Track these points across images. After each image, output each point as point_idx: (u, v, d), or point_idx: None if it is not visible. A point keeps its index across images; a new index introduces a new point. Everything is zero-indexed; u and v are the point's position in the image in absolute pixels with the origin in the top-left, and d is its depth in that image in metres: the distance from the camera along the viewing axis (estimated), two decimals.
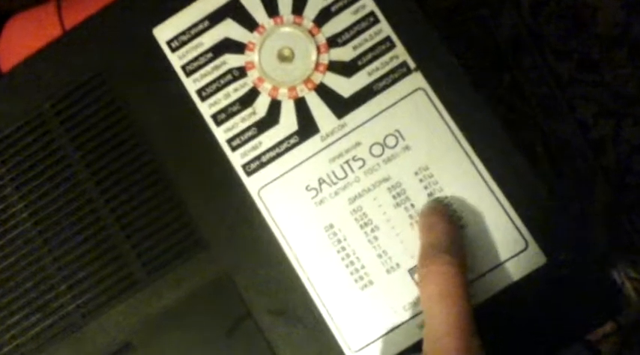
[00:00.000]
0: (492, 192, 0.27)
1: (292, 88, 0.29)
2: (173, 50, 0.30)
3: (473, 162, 0.27)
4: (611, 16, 0.48)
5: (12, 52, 0.33)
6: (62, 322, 0.29)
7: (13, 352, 0.30)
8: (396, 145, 0.28)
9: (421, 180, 0.28)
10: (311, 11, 0.29)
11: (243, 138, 0.29)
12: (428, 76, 0.28)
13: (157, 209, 0.29)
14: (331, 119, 0.28)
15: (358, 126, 0.28)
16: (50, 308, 0.30)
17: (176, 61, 0.30)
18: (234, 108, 0.29)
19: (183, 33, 0.30)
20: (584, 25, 0.48)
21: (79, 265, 0.29)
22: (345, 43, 0.29)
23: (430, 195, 0.28)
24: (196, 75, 0.30)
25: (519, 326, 0.27)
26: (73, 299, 0.29)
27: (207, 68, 0.30)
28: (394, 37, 0.29)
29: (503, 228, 0.27)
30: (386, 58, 0.28)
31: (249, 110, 0.29)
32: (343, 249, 0.28)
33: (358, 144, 0.28)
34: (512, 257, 0.27)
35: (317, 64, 0.29)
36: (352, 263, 0.28)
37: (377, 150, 0.28)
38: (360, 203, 0.28)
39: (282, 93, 0.29)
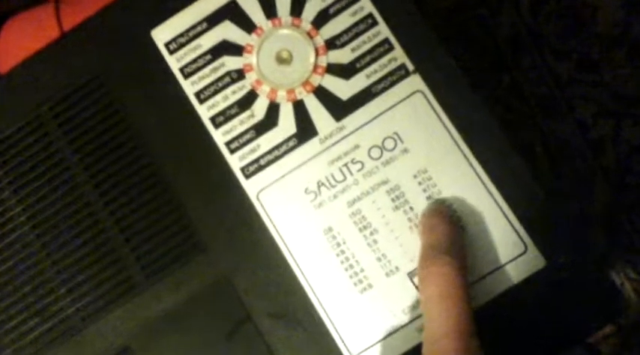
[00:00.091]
0: (491, 194, 0.27)
1: (291, 91, 0.29)
2: (171, 52, 0.30)
3: (472, 165, 0.27)
4: (611, 15, 0.48)
5: (10, 53, 0.33)
6: (61, 326, 0.29)
7: None
8: (394, 148, 0.28)
9: (420, 183, 0.28)
10: (309, 13, 0.29)
11: (241, 140, 0.29)
12: (426, 79, 0.28)
13: (156, 212, 0.29)
14: (330, 122, 0.28)
15: (357, 129, 0.28)
16: (49, 312, 0.29)
17: (174, 63, 0.30)
18: (233, 111, 0.29)
19: (181, 35, 0.30)
20: (584, 24, 0.48)
21: (78, 268, 0.29)
22: (343, 45, 0.29)
23: (429, 198, 0.28)
24: (194, 77, 0.30)
25: (519, 329, 0.27)
26: (72, 302, 0.29)
27: (206, 70, 0.30)
28: (393, 39, 0.28)
29: (502, 231, 0.27)
30: (384, 60, 0.28)
31: (247, 112, 0.29)
32: (342, 252, 0.28)
33: (357, 146, 0.28)
34: (512, 260, 0.27)
35: (315, 67, 0.29)
36: (351, 266, 0.28)
37: (376, 152, 0.28)
38: (359, 206, 0.28)
39: (281, 96, 0.29)
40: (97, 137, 0.30)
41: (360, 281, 0.28)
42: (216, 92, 0.29)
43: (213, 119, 0.29)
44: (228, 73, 0.29)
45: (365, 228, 0.28)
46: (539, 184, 0.27)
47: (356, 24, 0.29)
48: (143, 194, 0.29)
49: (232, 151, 0.29)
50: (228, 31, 0.30)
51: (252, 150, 0.29)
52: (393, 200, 0.28)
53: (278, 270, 0.28)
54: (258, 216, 0.28)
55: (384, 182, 0.28)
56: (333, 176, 0.28)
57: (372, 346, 0.27)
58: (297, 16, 0.29)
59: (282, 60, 0.29)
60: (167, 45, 0.30)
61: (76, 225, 0.30)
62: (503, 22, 0.48)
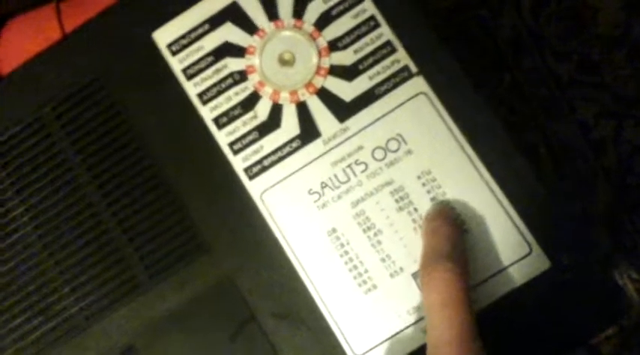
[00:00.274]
0: (495, 196, 0.27)
1: (293, 92, 0.29)
2: (173, 54, 0.30)
3: (475, 166, 0.27)
4: (611, 17, 0.48)
5: (11, 54, 0.33)
6: (65, 325, 0.29)
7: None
8: (398, 149, 0.28)
9: (424, 184, 0.28)
10: (311, 15, 0.29)
11: (244, 142, 0.29)
12: (430, 80, 0.28)
13: (159, 212, 0.29)
14: (333, 123, 0.28)
15: (360, 130, 0.28)
16: (53, 311, 0.29)
17: (176, 64, 0.30)
18: (236, 112, 0.29)
19: (183, 36, 0.30)
20: (585, 26, 0.48)
21: (81, 268, 0.29)
22: (346, 46, 0.29)
23: (433, 199, 0.28)
24: (197, 78, 0.30)
25: (523, 330, 0.27)
26: (75, 301, 0.29)
27: (208, 72, 0.30)
28: (395, 41, 0.29)
29: (507, 232, 0.27)
30: (387, 62, 0.28)
31: (250, 114, 0.29)
32: (346, 253, 0.28)
33: (360, 148, 0.28)
34: (516, 261, 0.27)
35: (318, 68, 0.29)
36: (355, 267, 0.28)
37: (379, 154, 0.28)
38: (363, 207, 0.28)
39: (284, 97, 0.29)
40: (100, 138, 0.30)
41: (365, 282, 0.28)
42: (219, 93, 0.29)
43: (216, 120, 0.29)
44: (230, 75, 0.29)
45: (369, 228, 0.28)
46: (543, 185, 0.27)
47: (358, 26, 0.29)
48: (146, 194, 0.29)
49: (236, 152, 0.29)
50: (230, 32, 0.30)
51: (256, 151, 0.29)
52: (397, 201, 0.28)
53: (282, 271, 0.28)
54: (261, 217, 0.28)
55: (388, 183, 0.28)
56: (336, 177, 0.28)
57: (376, 346, 0.27)
58: (299, 17, 0.29)
59: (284, 61, 0.29)
60: (169, 46, 0.30)
61: (79, 225, 0.30)
62: (505, 23, 0.49)
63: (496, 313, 0.27)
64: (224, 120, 0.29)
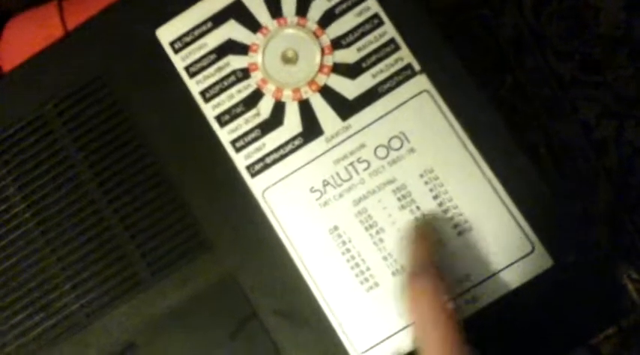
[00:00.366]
0: (498, 194, 0.27)
1: (296, 90, 0.29)
2: (176, 51, 0.30)
3: (478, 165, 0.27)
4: (613, 17, 0.48)
5: (13, 52, 0.32)
6: (66, 322, 0.29)
7: (17, 351, 0.30)
8: (400, 147, 0.28)
9: (426, 183, 0.28)
10: (315, 13, 0.29)
11: (247, 139, 0.29)
12: (433, 78, 0.28)
13: (161, 210, 0.29)
14: (336, 121, 0.28)
15: (363, 128, 0.28)
16: (54, 308, 0.30)
17: (179, 62, 0.30)
18: (238, 110, 0.29)
19: (186, 34, 0.30)
20: (587, 26, 0.48)
21: (83, 265, 0.29)
22: (349, 44, 0.29)
23: (435, 197, 0.28)
24: (200, 76, 0.30)
25: (526, 329, 0.27)
26: (77, 298, 0.29)
27: (211, 69, 0.30)
28: (399, 39, 0.29)
29: (509, 230, 0.27)
30: (390, 60, 0.28)
31: (253, 111, 0.29)
32: (348, 250, 0.28)
33: (363, 146, 0.28)
34: (519, 260, 0.27)
35: (321, 66, 0.29)
36: (357, 265, 0.28)
37: (382, 152, 0.28)
38: (365, 205, 0.28)
39: (287, 95, 0.29)
40: (102, 135, 0.30)
41: (366, 280, 0.28)
42: (221, 91, 0.29)
43: (218, 118, 0.29)
44: (233, 72, 0.29)
45: (371, 226, 0.28)
46: (545, 184, 0.27)
47: (362, 24, 0.29)
48: (148, 192, 0.29)
49: (238, 150, 0.29)
50: (233, 30, 0.30)
51: (258, 149, 0.29)
52: (399, 199, 0.28)
53: (284, 268, 0.28)
54: (263, 215, 0.28)
55: (390, 181, 0.28)
56: (338, 175, 0.28)
57: (377, 344, 0.27)
58: (302, 15, 0.29)
59: (287, 59, 0.29)
60: (172, 44, 0.30)
61: (81, 222, 0.30)
62: (506, 22, 0.48)
63: (498, 311, 0.27)
64: (226, 117, 0.29)
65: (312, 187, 0.28)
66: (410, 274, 0.25)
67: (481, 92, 0.28)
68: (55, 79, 0.31)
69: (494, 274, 0.27)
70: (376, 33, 0.29)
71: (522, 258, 0.27)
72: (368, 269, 0.28)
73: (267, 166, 0.29)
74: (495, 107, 0.28)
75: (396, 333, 0.27)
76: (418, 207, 0.28)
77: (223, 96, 0.29)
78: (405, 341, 0.27)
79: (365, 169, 0.28)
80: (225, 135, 0.29)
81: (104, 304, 0.29)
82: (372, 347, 0.27)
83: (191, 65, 0.30)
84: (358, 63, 0.29)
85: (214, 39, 0.30)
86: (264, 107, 0.29)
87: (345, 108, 0.28)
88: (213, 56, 0.30)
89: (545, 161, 0.47)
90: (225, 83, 0.29)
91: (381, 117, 0.28)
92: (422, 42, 0.28)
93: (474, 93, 0.28)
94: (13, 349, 0.29)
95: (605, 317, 0.27)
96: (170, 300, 0.29)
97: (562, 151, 0.48)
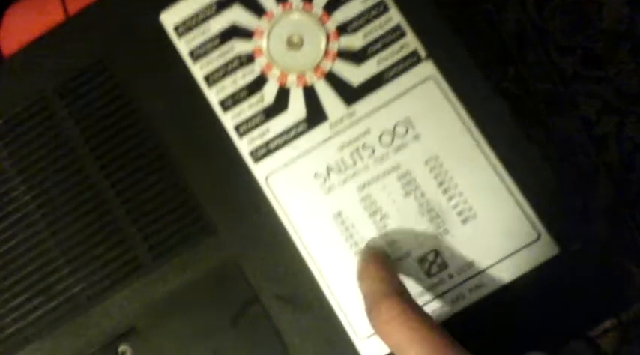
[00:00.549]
0: (504, 181, 0.27)
1: (301, 75, 0.29)
2: (180, 35, 0.30)
3: (484, 152, 0.27)
4: (616, 12, 0.48)
5: (14, 37, 0.32)
6: (66, 305, 0.29)
7: (17, 334, 0.29)
8: (406, 134, 0.28)
9: (431, 170, 0.28)
10: None
11: (250, 124, 0.29)
12: (438, 65, 0.28)
13: (163, 194, 0.29)
14: (340, 107, 0.28)
15: (368, 115, 0.28)
16: (54, 291, 0.29)
17: (183, 46, 0.30)
18: (242, 95, 0.29)
19: (190, 18, 0.30)
20: (589, 20, 0.48)
21: (84, 248, 0.29)
22: (355, 30, 0.29)
23: (440, 184, 0.27)
24: (203, 60, 0.29)
25: (531, 316, 0.27)
26: (77, 281, 0.29)
27: (215, 54, 0.29)
28: (405, 26, 0.28)
29: (515, 217, 0.27)
30: (396, 46, 0.28)
31: (257, 96, 0.29)
32: (351, 236, 0.28)
33: (367, 132, 0.28)
34: (524, 247, 0.27)
35: (326, 52, 0.29)
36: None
37: (387, 138, 0.28)
38: (369, 191, 0.28)
39: (291, 81, 0.29)
40: (104, 119, 0.30)
41: None
42: (225, 75, 0.29)
43: (222, 102, 0.29)
44: (237, 57, 0.29)
45: (375, 213, 0.28)
46: (552, 172, 0.27)
47: (368, 10, 0.29)
48: (151, 175, 0.29)
49: (241, 135, 0.29)
50: (237, 15, 0.29)
51: (262, 134, 0.29)
52: (403, 186, 0.28)
53: (286, 254, 0.28)
54: (266, 200, 0.28)
55: (395, 168, 0.28)
56: (343, 161, 0.28)
57: None
58: (308, 1, 0.29)
59: (292, 44, 0.29)
60: (176, 28, 0.30)
61: (82, 205, 0.29)
62: (509, 17, 0.49)
63: (503, 298, 0.27)
64: (230, 102, 0.29)
65: (316, 173, 0.28)
66: (374, 299, 0.24)
67: (487, 79, 0.27)
68: (57, 63, 0.30)
69: (499, 261, 0.27)
70: (382, 19, 0.29)
71: (528, 245, 0.27)
72: None
73: (270, 151, 0.29)
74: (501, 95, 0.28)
75: None
76: (423, 194, 0.27)
77: (227, 80, 0.29)
78: None
79: (370, 155, 0.28)
80: (228, 119, 0.29)
81: (105, 287, 0.29)
82: (374, 333, 0.27)
83: (195, 49, 0.29)
84: (364, 49, 0.28)
85: (219, 23, 0.29)
86: (269, 92, 0.29)
87: (350, 94, 0.28)
88: (217, 41, 0.29)
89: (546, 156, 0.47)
90: (229, 68, 0.29)
91: (386, 104, 0.28)
92: (428, 29, 0.28)
93: (479, 81, 0.28)
94: (12, 331, 0.29)
95: (610, 304, 0.27)
96: (171, 284, 0.29)
97: (563, 146, 0.48)
